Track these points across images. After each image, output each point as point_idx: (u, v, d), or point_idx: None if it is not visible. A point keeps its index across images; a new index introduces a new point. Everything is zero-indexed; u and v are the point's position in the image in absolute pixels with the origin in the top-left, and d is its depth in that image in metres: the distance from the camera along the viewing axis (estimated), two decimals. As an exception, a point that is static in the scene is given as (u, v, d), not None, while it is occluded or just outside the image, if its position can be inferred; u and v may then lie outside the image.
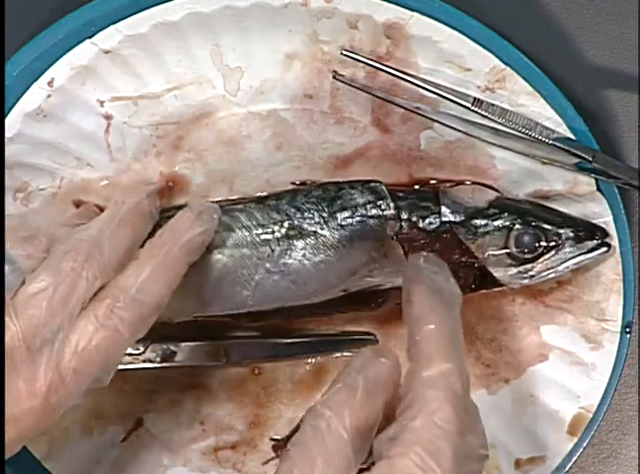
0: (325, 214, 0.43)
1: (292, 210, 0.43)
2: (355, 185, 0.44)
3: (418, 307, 0.35)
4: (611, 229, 0.44)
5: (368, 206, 0.43)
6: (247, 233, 0.43)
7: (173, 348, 0.45)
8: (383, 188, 0.43)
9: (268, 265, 0.42)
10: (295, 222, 0.43)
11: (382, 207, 0.43)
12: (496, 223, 0.43)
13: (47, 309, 0.34)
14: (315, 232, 0.43)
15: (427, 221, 0.43)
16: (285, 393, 0.47)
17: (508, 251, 0.43)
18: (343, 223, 0.43)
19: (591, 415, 0.44)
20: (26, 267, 0.35)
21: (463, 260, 0.43)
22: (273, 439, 0.43)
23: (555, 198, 0.45)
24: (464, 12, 0.43)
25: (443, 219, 0.43)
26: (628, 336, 0.44)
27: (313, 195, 0.44)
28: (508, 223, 0.43)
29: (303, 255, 0.42)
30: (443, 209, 0.43)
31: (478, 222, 0.43)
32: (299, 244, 0.42)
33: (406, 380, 0.33)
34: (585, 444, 0.45)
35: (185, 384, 0.47)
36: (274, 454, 0.42)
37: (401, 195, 0.44)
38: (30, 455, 0.45)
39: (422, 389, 0.32)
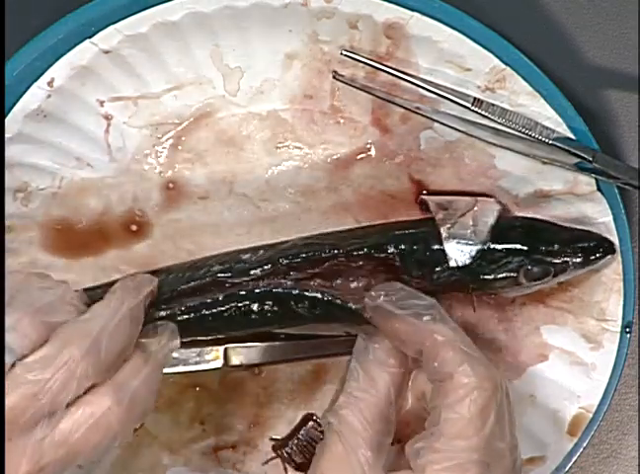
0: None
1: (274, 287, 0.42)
2: (352, 255, 0.42)
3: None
4: (611, 229, 0.44)
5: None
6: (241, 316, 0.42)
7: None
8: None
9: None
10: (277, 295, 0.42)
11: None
12: (504, 268, 0.42)
13: (34, 401, 0.32)
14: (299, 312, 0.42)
15: (436, 276, 0.42)
16: (285, 393, 0.47)
17: (518, 283, 0.42)
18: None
19: (591, 415, 0.44)
20: (17, 347, 0.33)
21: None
22: (273, 439, 0.43)
23: (555, 198, 0.45)
24: (464, 12, 0.43)
25: (451, 264, 0.42)
26: (628, 336, 0.44)
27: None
28: (515, 265, 0.42)
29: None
30: (449, 254, 0.42)
31: (486, 270, 0.42)
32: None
33: (430, 399, 0.36)
34: (585, 444, 0.45)
35: (185, 384, 0.47)
36: (274, 454, 0.42)
37: (404, 246, 0.42)
38: (30, 455, 0.45)
39: (444, 413, 0.34)
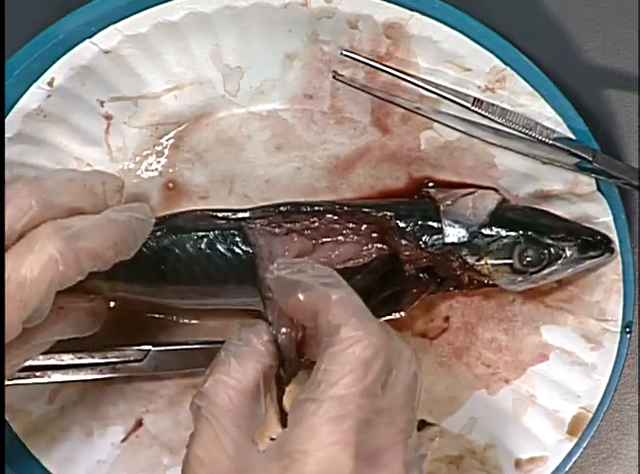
0: None
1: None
2: (349, 212, 0.43)
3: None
4: (611, 229, 0.44)
5: None
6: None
7: (173, 354, 0.45)
8: None
9: None
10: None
11: None
12: (499, 243, 0.42)
13: None
14: None
15: (430, 243, 0.42)
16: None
17: (512, 266, 0.43)
18: None
19: (591, 415, 0.44)
20: (8, 219, 0.34)
21: (467, 276, 0.44)
22: (272, 439, 0.43)
23: (555, 198, 0.45)
24: (464, 12, 0.43)
25: (447, 240, 0.42)
26: (628, 336, 0.44)
27: None
28: (511, 242, 0.42)
29: None
30: (446, 230, 0.42)
31: (481, 243, 0.42)
32: None
33: (318, 353, 0.34)
34: (585, 444, 0.45)
35: (185, 384, 0.47)
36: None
37: (403, 211, 0.43)
38: (30, 455, 0.45)
39: (325, 364, 0.33)
